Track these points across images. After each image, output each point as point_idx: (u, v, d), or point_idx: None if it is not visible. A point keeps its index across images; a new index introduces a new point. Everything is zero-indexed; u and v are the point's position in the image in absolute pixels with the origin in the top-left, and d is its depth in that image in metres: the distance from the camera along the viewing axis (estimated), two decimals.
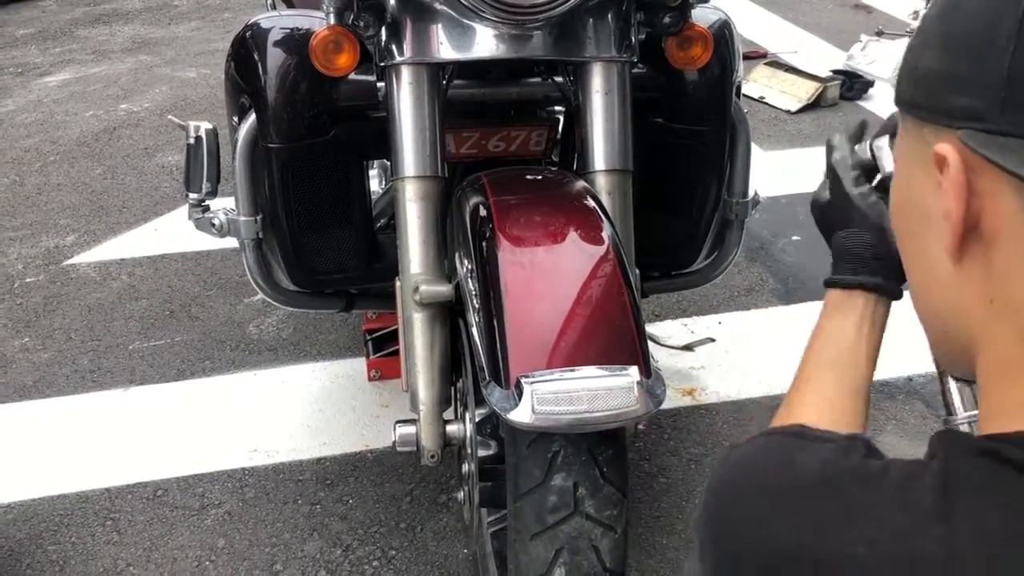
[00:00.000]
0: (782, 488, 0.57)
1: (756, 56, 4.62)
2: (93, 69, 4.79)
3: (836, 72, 4.32)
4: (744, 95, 4.15)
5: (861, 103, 4.14)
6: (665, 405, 2.24)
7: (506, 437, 1.19)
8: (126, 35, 5.39)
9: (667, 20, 1.44)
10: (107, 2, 6.13)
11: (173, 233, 3.00)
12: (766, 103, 4.09)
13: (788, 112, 4.02)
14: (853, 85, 4.17)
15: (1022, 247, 0.52)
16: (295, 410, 2.22)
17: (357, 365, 2.33)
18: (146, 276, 2.81)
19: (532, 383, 1.08)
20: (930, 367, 2.35)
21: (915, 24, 5.13)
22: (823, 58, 4.62)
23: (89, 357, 2.43)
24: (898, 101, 0.59)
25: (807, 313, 2.41)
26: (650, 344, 2.21)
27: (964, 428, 1.11)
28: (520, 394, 1.08)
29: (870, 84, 4.22)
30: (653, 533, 1.88)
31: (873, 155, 0.86)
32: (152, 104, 4.26)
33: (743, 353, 2.43)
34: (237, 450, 2.09)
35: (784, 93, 4.13)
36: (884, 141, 0.85)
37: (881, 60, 4.51)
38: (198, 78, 4.59)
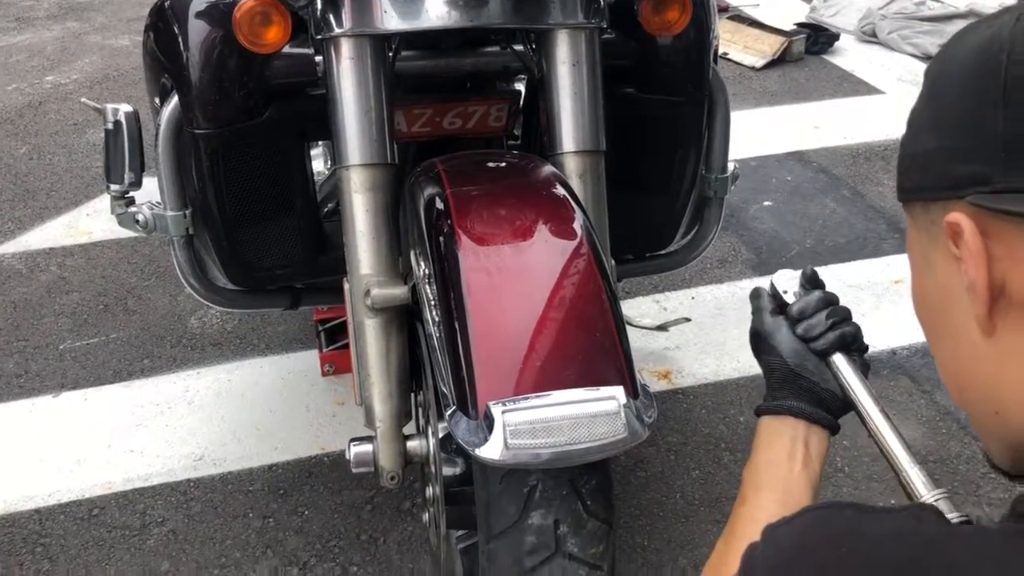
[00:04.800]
0: (850, 565, 0.52)
1: (718, 10, 4.47)
2: (16, 38, 4.48)
3: (800, 25, 4.18)
4: None
5: (827, 57, 4.01)
6: None
7: (475, 469, 1.04)
8: (52, 0, 5.07)
9: None
10: None
11: (106, 218, 2.78)
12: (729, 59, 3.94)
13: (753, 69, 3.88)
14: (818, 39, 4.04)
15: None
16: (243, 411, 2.05)
17: (309, 359, 2.17)
18: (77, 267, 2.61)
19: (504, 412, 0.93)
20: (914, 339, 2.27)
21: None
22: (786, 11, 4.48)
23: (15, 360, 2.24)
24: (902, 195, 0.62)
25: None
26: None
27: None
28: (490, 425, 0.93)
29: (836, 37, 4.09)
30: (633, 534, 1.76)
31: (773, 287, 0.92)
32: (81, 76, 3.99)
33: (718, 330, 2.31)
34: (181, 459, 1.92)
35: (748, 49, 3.98)
36: (781, 273, 0.92)
37: (845, 11, 4.39)
38: (131, 46, 4.31)
